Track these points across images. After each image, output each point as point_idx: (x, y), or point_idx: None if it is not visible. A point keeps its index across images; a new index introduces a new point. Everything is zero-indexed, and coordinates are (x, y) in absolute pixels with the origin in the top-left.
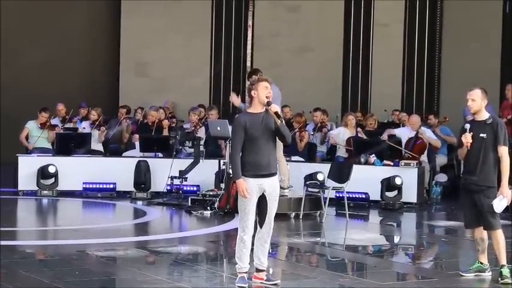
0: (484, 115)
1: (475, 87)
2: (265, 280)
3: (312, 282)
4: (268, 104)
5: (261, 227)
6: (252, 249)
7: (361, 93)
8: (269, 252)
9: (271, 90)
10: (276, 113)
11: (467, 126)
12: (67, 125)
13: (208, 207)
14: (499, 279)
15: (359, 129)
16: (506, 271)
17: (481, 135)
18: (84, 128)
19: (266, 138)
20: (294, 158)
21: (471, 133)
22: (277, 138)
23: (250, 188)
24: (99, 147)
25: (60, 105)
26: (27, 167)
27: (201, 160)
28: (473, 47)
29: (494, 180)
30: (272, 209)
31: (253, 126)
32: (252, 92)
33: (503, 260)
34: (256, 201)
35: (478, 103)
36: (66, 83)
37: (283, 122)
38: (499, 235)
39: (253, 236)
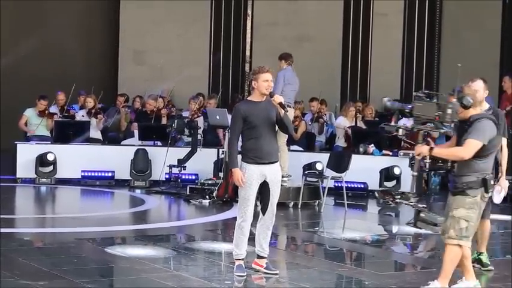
0: (485, 106)
1: (477, 78)
2: (265, 268)
3: (311, 271)
4: (271, 95)
5: (263, 214)
6: (251, 237)
7: (360, 82)
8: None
9: (289, 75)
10: (280, 103)
11: None
12: (66, 114)
13: (207, 196)
14: (480, 267)
15: (358, 115)
16: (485, 258)
17: None
18: (83, 116)
19: (267, 127)
20: (292, 147)
21: None
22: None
23: (251, 174)
24: (98, 135)
25: (60, 95)
26: (25, 155)
27: (198, 149)
28: (472, 37)
29: None
30: (274, 195)
31: (253, 114)
32: (253, 83)
33: (483, 248)
34: (256, 189)
35: (479, 94)
36: (65, 71)
37: (287, 112)
38: (487, 224)
39: (252, 224)
